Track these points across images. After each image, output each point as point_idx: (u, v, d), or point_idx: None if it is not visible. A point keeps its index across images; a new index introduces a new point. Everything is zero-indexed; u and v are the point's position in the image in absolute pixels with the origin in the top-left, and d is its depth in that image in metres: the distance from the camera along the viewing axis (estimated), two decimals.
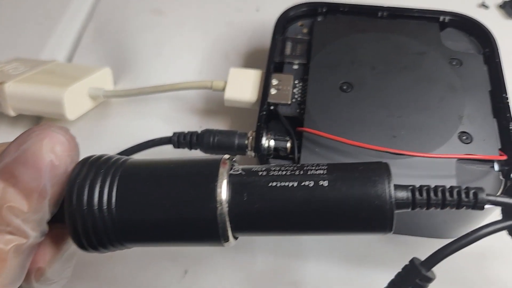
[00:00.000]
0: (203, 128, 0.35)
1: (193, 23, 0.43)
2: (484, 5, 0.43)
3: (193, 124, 0.36)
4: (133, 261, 0.31)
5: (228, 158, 0.19)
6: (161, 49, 0.41)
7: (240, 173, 0.19)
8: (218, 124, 0.36)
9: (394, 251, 0.30)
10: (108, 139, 0.35)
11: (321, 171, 0.18)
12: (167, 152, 0.32)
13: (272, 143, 0.30)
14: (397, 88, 0.31)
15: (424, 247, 0.30)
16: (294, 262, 0.30)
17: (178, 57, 0.40)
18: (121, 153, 0.31)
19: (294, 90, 0.32)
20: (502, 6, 0.42)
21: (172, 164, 0.20)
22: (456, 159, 0.28)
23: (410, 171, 0.28)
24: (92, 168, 0.19)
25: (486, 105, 0.30)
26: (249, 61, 0.40)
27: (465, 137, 0.29)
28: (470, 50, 0.34)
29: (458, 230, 0.29)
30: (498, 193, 0.28)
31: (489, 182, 0.28)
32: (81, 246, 0.19)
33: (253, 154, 0.30)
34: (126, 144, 0.33)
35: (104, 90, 0.35)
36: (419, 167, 0.28)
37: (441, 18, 0.35)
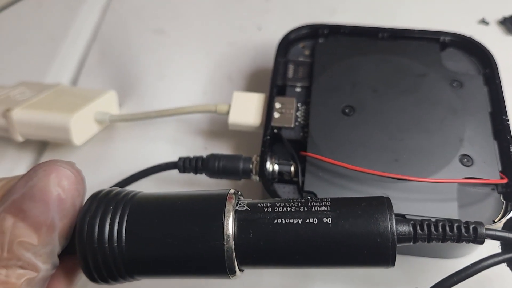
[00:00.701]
0: (209, 150, 0.37)
1: (196, 43, 0.43)
2: (484, 21, 0.43)
3: (199, 146, 0.37)
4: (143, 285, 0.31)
5: (234, 193, 0.20)
6: (165, 70, 0.41)
7: (246, 209, 0.19)
8: (223, 146, 0.37)
9: (397, 271, 0.31)
10: (114, 163, 0.36)
11: (325, 208, 0.19)
12: (173, 177, 0.33)
13: (276, 167, 0.30)
14: (399, 110, 0.31)
15: (427, 267, 0.30)
16: (300, 283, 0.31)
17: (182, 78, 0.41)
18: (128, 179, 0.32)
19: (297, 113, 0.33)
20: (502, 22, 0.43)
21: (179, 199, 0.20)
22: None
23: (412, 195, 0.28)
24: (102, 205, 0.20)
25: (486, 127, 0.31)
26: (252, 82, 0.40)
27: (466, 160, 0.29)
28: (471, 70, 0.34)
29: (461, 250, 0.30)
30: (499, 216, 0.28)
31: (490, 204, 0.28)
32: (92, 279, 0.20)
33: (257, 178, 0.30)
34: (132, 167, 0.34)
35: (110, 115, 0.35)
36: (420, 191, 0.28)
37: (442, 38, 0.35)
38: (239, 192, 0.21)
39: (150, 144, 0.37)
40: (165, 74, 0.41)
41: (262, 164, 0.30)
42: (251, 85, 0.40)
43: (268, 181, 0.30)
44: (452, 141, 0.30)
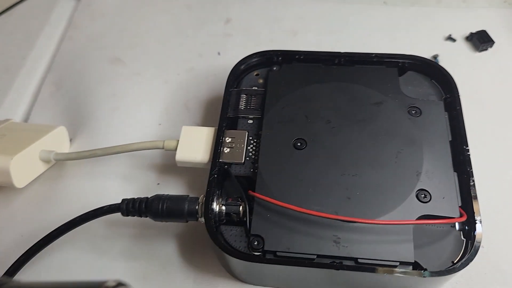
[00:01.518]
0: (162, 186, 0.35)
1: (153, 71, 0.42)
2: (451, 38, 0.41)
3: (151, 182, 0.35)
4: None
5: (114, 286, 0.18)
6: (120, 101, 0.40)
7: None
8: (177, 182, 0.35)
9: None
10: (61, 204, 0.34)
11: None
12: (120, 219, 0.31)
13: (223, 208, 0.28)
14: (353, 143, 0.29)
15: None
16: None
17: (137, 109, 0.39)
18: (69, 224, 0.30)
19: (249, 147, 0.31)
20: (469, 39, 0.41)
21: None
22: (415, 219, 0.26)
23: (365, 237, 0.26)
24: None
25: (446, 158, 0.29)
26: (209, 110, 0.39)
27: (424, 195, 0.27)
28: (431, 95, 0.32)
29: None
30: (459, 255, 0.26)
31: (450, 243, 0.26)
32: None
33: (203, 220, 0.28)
34: (80, 208, 0.32)
35: (55, 153, 0.33)
36: (374, 232, 0.26)
37: (401, 62, 0.33)
38: (122, 283, 0.19)
39: (101, 181, 0.35)
40: (119, 106, 0.39)
41: (208, 205, 0.28)
42: (208, 114, 0.38)
43: (214, 223, 0.28)
44: (409, 175, 0.28)
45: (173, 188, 0.35)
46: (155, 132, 0.38)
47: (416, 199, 0.27)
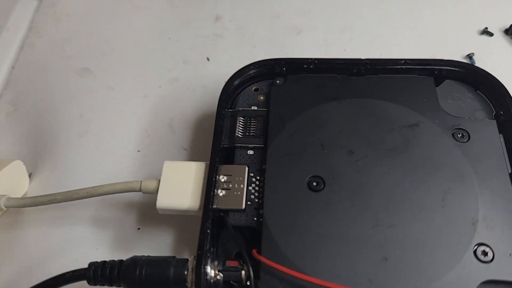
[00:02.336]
0: (143, 232, 0.28)
1: (130, 84, 0.34)
2: (487, 32, 0.34)
3: (130, 227, 0.28)
4: None
5: None
6: (89, 123, 0.33)
7: None
8: (161, 225, 0.28)
9: None
10: (16, 259, 0.27)
11: None
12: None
13: (220, 275, 0.22)
14: (384, 181, 0.23)
15: None
16: None
17: (110, 133, 0.32)
18: None
19: (250, 188, 0.24)
20: (509, 32, 0.34)
21: None
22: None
23: None
24: None
25: (508, 197, 0.22)
26: (198, 131, 0.32)
27: (484, 252, 0.21)
28: (478, 110, 0.26)
29: None
30: None
31: None
32: None
33: None
34: (39, 264, 0.25)
35: (6, 198, 0.27)
36: None
37: (437, 69, 0.26)
38: None
39: (67, 228, 0.28)
40: (89, 129, 0.32)
41: (199, 272, 0.21)
42: (198, 137, 0.31)
43: None
44: (462, 224, 0.21)
45: (157, 234, 0.28)
46: (134, 161, 0.31)
47: (474, 257, 0.21)
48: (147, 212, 0.29)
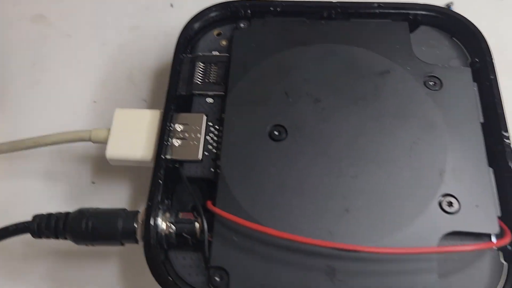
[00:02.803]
0: (98, 185, 0.27)
1: (87, 32, 0.32)
2: None
3: (84, 180, 0.27)
4: None
5: None
6: (43, 72, 0.30)
7: None
8: (117, 179, 0.26)
9: None
10: None
11: None
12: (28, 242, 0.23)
13: (173, 228, 0.20)
14: (351, 131, 0.21)
15: None
16: None
17: (65, 82, 0.30)
18: None
19: (208, 137, 0.22)
20: None
21: None
22: (437, 241, 0.19)
23: (369, 266, 0.19)
24: None
25: (478, 148, 0.21)
26: (160, 82, 0.30)
27: (449, 203, 0.20)
28: (453, 58, 0.24)
29: None
30: (500, 284, 0.19)
31: (485, 269, 0.19)
32: None
33: None
34: None
35: None
36: (382, 260, 0.19)
37: (412, 14, 0.25)
38: None
39: (18, 181, 0.27)
40: (42, 78, 0.30)
41: (148, 224, 0.20)
42: (160, 88, 0.29)
43: (161, 248, 0.20)
44: (429, 175, 0.20)
45: (113, 188, 0.26)
46: (89, 112, 0.29)
47: (439, 208, 0.20)
48: (103, 165, 0.27)
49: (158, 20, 0.32)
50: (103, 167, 0.27)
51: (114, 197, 0.26)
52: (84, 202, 0.26)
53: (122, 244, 0.21)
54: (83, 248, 0.23)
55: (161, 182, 0.21)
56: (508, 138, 0.21)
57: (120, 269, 0.24)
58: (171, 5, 0.33)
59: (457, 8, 0.31)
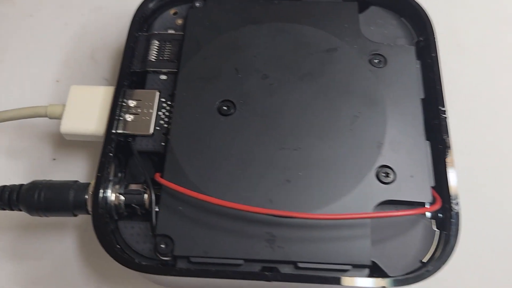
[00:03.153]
0: (59, 162, 0.27)
1: (50, 12, 0.32)
2: None
3: (45, 157, 0.27)
4: None
5: None
6: (4, 52, 0.30)
7: None
8: (78, 155, 0.27)
9: None
10: None
11: None
12: None
13: (121, 198, 0.21)
14: (296, 105, 0.22)
15: None
16: None
17: (28, 62, 0.30)
18: None
19: (160, 113, 0.23)
20: None
21: None
22: (372, 209, 0.20)
23: (307, 233, 0.19)
24: None
25: (416, 123, 0.22)
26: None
27: (386, 174, 0.21)
28: (400, 37, 0.25)
29: None
30: (430, 252, 0.20)
31: (418, 236, 0.20)
32: None
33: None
34: None
35: None
36: (319, 227, 0.20)
37: None
38: None
39: None
40: (4, 58, 0.30)
41: (96, 195, 0.20)
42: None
43: (111, 218, 0.21)
44: (367, 147, 0.21)
45: (73, 164, 0.27)
46: (51, 92, 0.29)
47: (376, 179, 0.20)
48: (63, 142, 0.27)
49: (121, 0, 0.32)
50: (64, 144, 0.27)
51: (74, 172, 0.27)
52: (45, 178, 0.26)
53: (75, 215, 0.22)
54: (41, 220, 0.24)
55: (111, 155, 0.21)
56: (444, 112, 0.22)
57: (78, 239, 0.25)
58: None
59: None
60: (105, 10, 0.32)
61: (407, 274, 0.19)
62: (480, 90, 0.29)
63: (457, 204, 0.20)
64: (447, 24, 0.31)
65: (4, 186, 0.22)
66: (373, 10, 0.26)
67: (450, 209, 0.20)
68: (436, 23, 0.30)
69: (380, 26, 0.25)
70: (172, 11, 0.26)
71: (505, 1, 0.32)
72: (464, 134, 0.27)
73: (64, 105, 0.24)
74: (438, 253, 0.20)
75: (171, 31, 0.25)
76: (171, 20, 0.26)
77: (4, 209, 0.22)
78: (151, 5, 0.25)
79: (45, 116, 0.24)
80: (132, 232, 0.21)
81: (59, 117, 0.24)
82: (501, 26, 0.31)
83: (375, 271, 0.20)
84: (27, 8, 0.32)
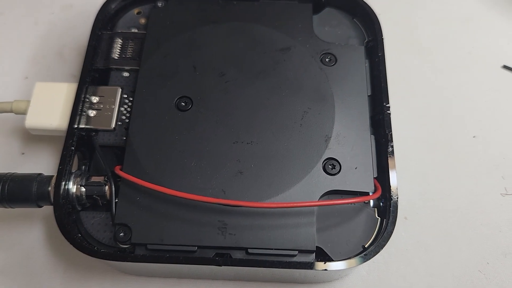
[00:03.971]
0: (27, 156, 0.28)
1: (20, 10, 0.33)
2: None
3: (14, 151, 0.28)
4: None
5: None
6: None
7: None
8: (46, 150, 0.28)
9: None
10: None
11: None
12: None
13: (82, 190, 0.22)
14: (250, 102, 0.23)
15: None
16: None
17: None
18: None
19: (122, 109, 0.24)
20: None
21: None
22: (318, 198, 0.21)
23: (256, 221, 0.21)
24: None
25: (363, 118, 0.23)
26: None
27: (332, 166, 0.22)
28: (352, 38, 0.26)
29: None
30: (371, 238, 0.22)
31: (361, 223, 0.22)
32: None
33: None
34: None
35: None
36: (268, 215, 0.21)
37: None
38: None
39: None
40: None
41: (58, 187, 0.21)
42: None
43: (73, 209, 0.22)
44: (316, 141, 0.22)
45: (42, 159, 0.28)
46: (20, 87, 0.30)
47: (323, 171, 0.22)
48: (31, 137, 0.28)
49: None
50: (32, 139, 0.28)
51: (42, 166, 0.28)
52: (14, 171, 0.27)
53: (40, 206, 0.23)
54: (10, 212, 0.25)
55: (73, 148, 0.22)
56: (388, 109, 0.23)
57: (45, 230, 0.26)
58: None
59: None
60: (75, 8, 0.33)
61: (349, 258, 0.21)
62: (433, 86, 0.30)
63: (395, 194, 0.21)
64: (405, 23, 0.32)
65: None
66: (328, 11, 0.27)
67: (389, 198, 0.21)
68: (396, 23, 0.32)
69: (334, 26, 0.27)
70: (136, 10, 0.27)
71: (457, 2, 0.34)
72: (419, 128, 0.28)
73: (29, 101, 0.25)
74: (378, 239, 0.21)
75: (134, 30, 0.27)
76: (135, 19, 0.27)
77: None
78: (114, 5, 0.26)
79: (11, 111, 0.25)
80: (93, 222, 0.22)
81: (24, 113, 0.25)
82: (454, 25, 0.33)
83: (320, 255, 0.21)
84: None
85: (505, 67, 0.31)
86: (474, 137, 0.29)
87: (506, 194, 0.27)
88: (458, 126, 0.29)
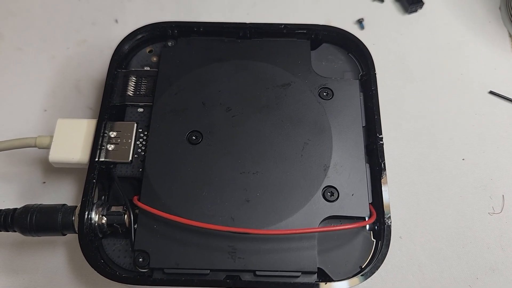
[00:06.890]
0: (48, 185, 0.30)
1: (38, 45, 0.35)
2: None
3: (35, 181, 0.30)
4: None
5: None
6: None
7: None
8: (65, 179, 0.30)
9: None
10: None
11: None
12: None
13: (104, 219, 0.24)
14: (255, 134, 0.26)
15: None
16: None
17: (17, 92, 0.33)
18: None
19: (138, 142, 0.26)
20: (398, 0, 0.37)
21: None
22: (318, 223, 0.23)
23: (263, 246, 0.23)
24: None
25: (358, 148, 0.26)
26: None
27: (331, 193, 0.24)
28: (348, 71, 0.29)
29: None
30: (367, 259, 0.24)
31: (358, 246, 0.24)
32: None
33: None
34: None
35: None
36: (273, 240, 0.23)
37: (314, 34, 0.29)
38: None
39: None
40: None
41: (82, 217, 0.24)
42: None
43: (95, 236, 0.24)
44: (315, 170, 0.25)
45: (62, 187, 0.30)
46: (40, 120, 0.32)
47: (322, 198, 0.24)
48: (52, 167, 0.30)
49: (104, 34, 0.36)
50: (53, 169, 0.30)
51: (63, 195, 0.30)
52: (36, 200, 0.30)
53: (64, 234, 0.25)
54: (34, 238, 0.27)
55: (94, 181, 0.25)
56: (381, 139, 0.25)
57: (67, 255, 0.28)
58: (116, 21, 0.36)
59: (367, 23, 0.36)
60: (89, 43, 0.35)
61: (348, 278, 0.23)
62: (423, 111, 0.33)
63: (389, 218, 0.23)
64: (397, 51, 0.35)
65: (8, 210, 0.25)
66: (324, 47, 0.29)
67: (383, 222, 0.23)
68: (388, 51, 0.34)
69: (331, 61, 0.29)
70: (148, 49, 0.30)
71: (443, 30, 0.36)
72: (410, 151, 0.31)
73: (51, 137, 0.27)
74: (373, 260, 0.23)
75: (147, 68, 0.29)
76: (147, 57, 0.29)
77: (0, 231, 0.25)
78: (128, 45, 0.29)
79: (35, 146, 0.27)
80: (114, 249, 0.24)
81: (47, 147, 0.27)
82: (442, 52, 0.35)
83: (322, 276, 0.23)
84: (16, 42, 0.35)
85: (492, 92, 0.33)
86: (463, 159, 0.31)
87: (494, 213, 0.29)
88: (448, 149, 0.31)
